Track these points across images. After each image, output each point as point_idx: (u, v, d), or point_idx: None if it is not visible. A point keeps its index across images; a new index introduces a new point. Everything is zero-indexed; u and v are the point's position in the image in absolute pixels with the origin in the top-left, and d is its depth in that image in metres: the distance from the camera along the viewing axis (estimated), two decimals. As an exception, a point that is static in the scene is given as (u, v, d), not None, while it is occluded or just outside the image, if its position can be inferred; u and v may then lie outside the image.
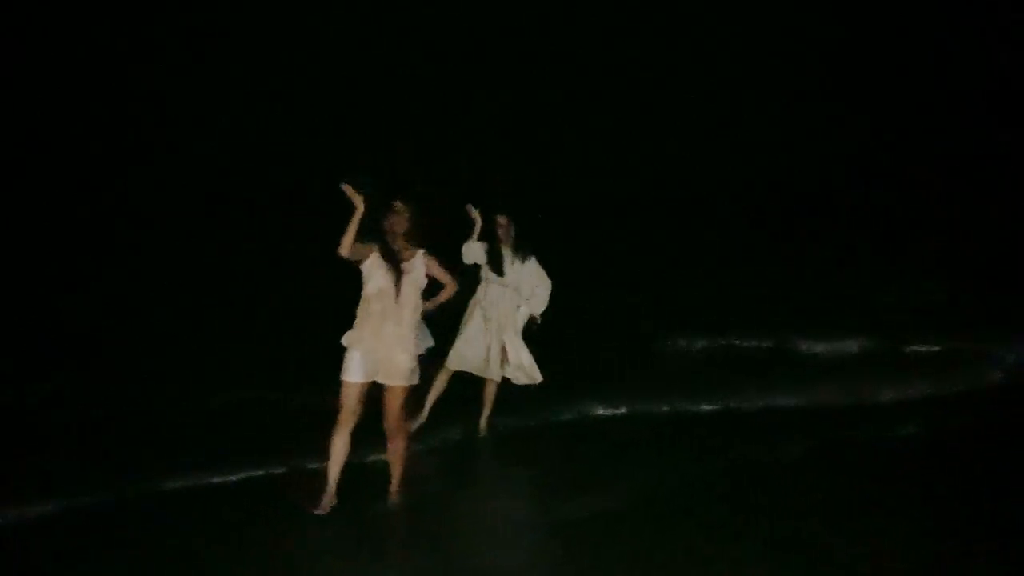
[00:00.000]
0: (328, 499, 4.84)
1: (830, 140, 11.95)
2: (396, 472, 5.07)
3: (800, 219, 11.12)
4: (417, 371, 4.94)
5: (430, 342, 5.13)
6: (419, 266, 4.88)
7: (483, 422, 6.61)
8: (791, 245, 10.74)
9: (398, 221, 4.81)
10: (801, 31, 12.23)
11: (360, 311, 4.86)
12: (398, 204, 4.83)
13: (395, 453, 5.04)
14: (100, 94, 11.48)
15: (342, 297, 5.08)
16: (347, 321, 4.92)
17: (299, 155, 11.63)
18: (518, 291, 6.39)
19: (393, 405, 4.90)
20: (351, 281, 4.95)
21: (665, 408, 7.44)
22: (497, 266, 6.37)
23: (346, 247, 4.62)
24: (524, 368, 6.42)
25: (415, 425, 6.08)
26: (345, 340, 4.84)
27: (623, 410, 7.40)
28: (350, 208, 4.61)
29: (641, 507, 5.09)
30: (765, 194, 11.65)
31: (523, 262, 6.43)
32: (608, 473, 5.87)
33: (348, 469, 4.92)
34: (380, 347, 4.79)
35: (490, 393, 6.55)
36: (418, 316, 4.91)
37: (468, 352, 6.36)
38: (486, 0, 12.10)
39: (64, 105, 11.26)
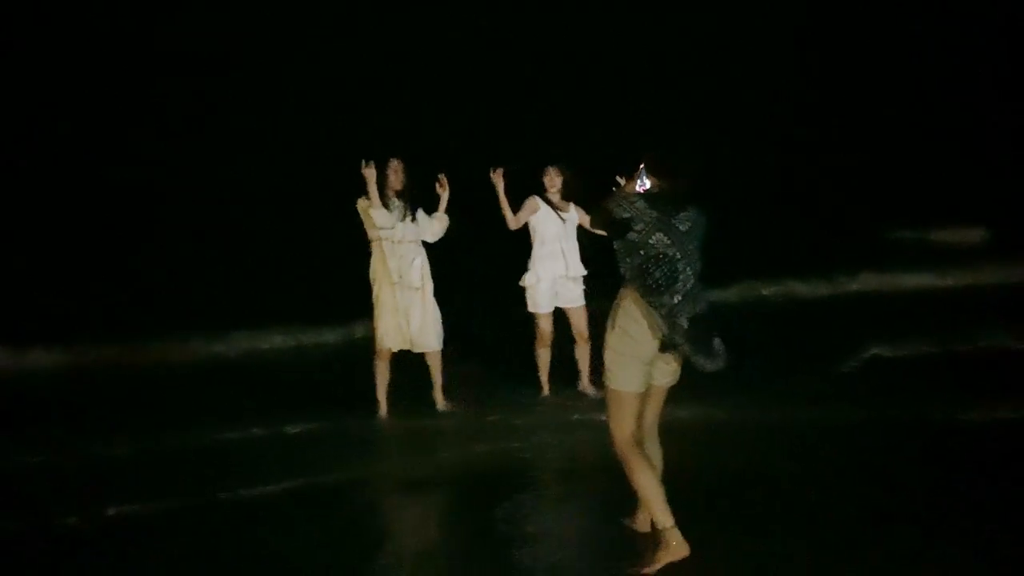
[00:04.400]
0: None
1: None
2: (584, 367, 5.90)
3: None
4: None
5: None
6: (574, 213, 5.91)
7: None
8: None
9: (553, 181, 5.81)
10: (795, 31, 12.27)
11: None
12: (551, 168, 5.80)
13: (582, 352, 5.90)
14: (100, 93, 11.49)
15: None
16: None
17: (299, 155, 11.63)
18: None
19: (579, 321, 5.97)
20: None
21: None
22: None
23: (511, 220, 5.72)
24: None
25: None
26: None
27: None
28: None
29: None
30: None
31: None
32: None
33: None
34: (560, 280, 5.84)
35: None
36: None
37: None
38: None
39: (64, 105, 11.27)
